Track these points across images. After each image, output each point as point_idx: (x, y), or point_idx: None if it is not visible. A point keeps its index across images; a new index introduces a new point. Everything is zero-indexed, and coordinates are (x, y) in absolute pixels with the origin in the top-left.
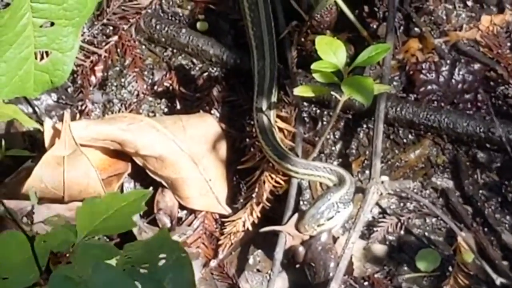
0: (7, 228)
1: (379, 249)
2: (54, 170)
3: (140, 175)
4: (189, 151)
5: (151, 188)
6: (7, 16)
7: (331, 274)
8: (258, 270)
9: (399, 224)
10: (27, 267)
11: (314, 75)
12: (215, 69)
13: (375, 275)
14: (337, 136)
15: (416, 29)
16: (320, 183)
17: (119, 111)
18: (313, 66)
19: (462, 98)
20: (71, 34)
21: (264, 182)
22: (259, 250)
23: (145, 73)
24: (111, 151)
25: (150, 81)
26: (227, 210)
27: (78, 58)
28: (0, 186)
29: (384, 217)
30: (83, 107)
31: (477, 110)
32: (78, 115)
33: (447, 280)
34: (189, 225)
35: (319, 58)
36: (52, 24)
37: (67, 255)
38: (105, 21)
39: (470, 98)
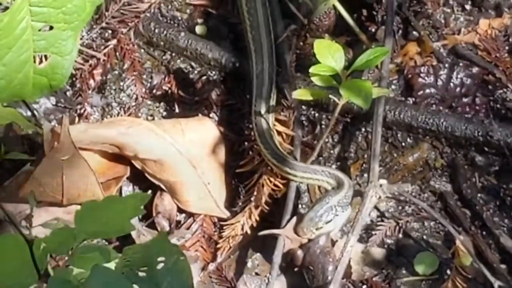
0: (5, 231)
1: (377, 252)
2: (53, 174)
3: (139, 178)
4: (188, 154)
5: (149, 191)
6: (6, 20)
7: (329, 278)
8: (256, 274)
9: (397, 227)
10: (25, 270)
11: (313, 78)
12: (213, 72)
13: (374, 279)
14: (335, 140)
15: (414, 32)
16: (319, 187)
17: (118, 115)
18: (312, 69)
19: (461, 101)
20: (70, 38)
21: (262, 186)
22: (258, 254)
23: (144, 76)
24: (110, 154)
25: (149, 84)
26: (225, 214)
27: (77, 61)
28: None
29: (382, 221)
30: (82, 111)
31: (476, 114)
32: (77, 119)
33: (445, 284)
34: (188, 228)
35: (318, 62)
36: (51, 28)
37: (66, 258)
38: (104, 24)
39: (468, 102)
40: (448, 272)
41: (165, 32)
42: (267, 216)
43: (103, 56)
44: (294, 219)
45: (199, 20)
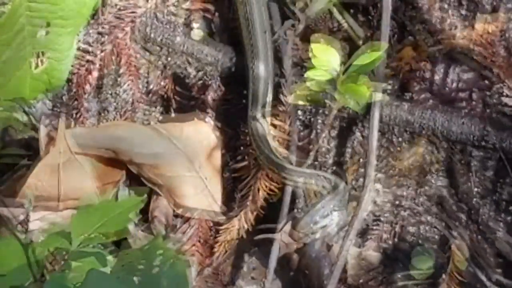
0: (1, 235)
1: (373, 256)
2: (49, 178)
3: (135, 183)
4: (185, 149)
5: (145, 195)
6: (6, 16)
7: (325, 282)
8: (252, 278)
9: (393, 232)
10: (21, 274)
11: (308, 83)
12: (210, 68)
13: (369, 283)
14: (331, 144)
15: (410, 37)
16: (314, 191)
17: (114, 119)
18: (307, 74)
19: (457, 97)
20: (68, 35)
21: (258, 190)
22: (254, 258)
23: (140, 81)
24: (106, 159)
25: (145, 89)
26: (222, 209)
27: (73, 66)
28: None
29: (378, 225)
30: (78, 115)
31: (472, 109)
32: (73, 123)
33: (442, 278)
34: (184, 233)
35: (315, 57)
36: (49, 25)
37: (62, 263)
38: (100, 29)
39: (465, 97)
40: (444, 276)
41: (161, 36)
42: (263, 220)
43: (99, 60)
44: (290, 223)
45: (195, 25)
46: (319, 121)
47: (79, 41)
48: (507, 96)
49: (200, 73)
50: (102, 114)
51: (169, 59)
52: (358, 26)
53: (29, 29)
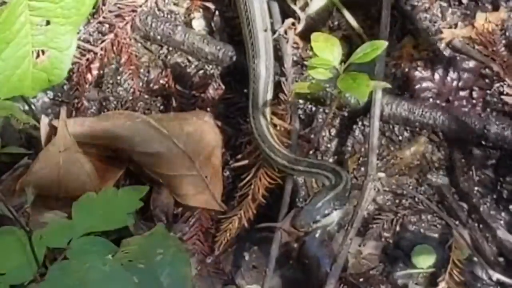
0: (3, 224)
1: (374, 245)
2: (50, 167)
3: (134, 182)
4: (186, 148)
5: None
6: (5, 14)
7: (326, 271)
8: (254, 267)
9: (394, 220)
10: (21, 272)
11: (310, 71)
12: (211, 66)
13: (371, 272)
14: (332, 134)
15: (411, 27)
16: (316, 180)
17: (115, 109)
18: (309, 62)
19: (458, 95)
20: (68, 33)
21: (260, 179)
22: (255, 247)
23: (141, 71)
24: (106, 157)
25: (146, 79)
26: (223, 207)
27: (74, 56)
28: None
29: (380, 214)
30: (79, 105)
31: (472, 107)
32: (74, 113)
33: (442, 276)
34: (185, 222)
35: (315, 55)
36: (49, 23)
37: (64, 251)
38: (100, 19)
39: (465, 95)
40: (446, 265)
41: (162, 26)
42: (264, 209)
43: (100, 50)
44: (292, 212)
45: (196, 15)
46: (321, 110)
47: (79, 31)
48: (507, 94)
49: (201, 72)
50: (103, 104)
51: (170, 48)
52: (358, 25)
53: (28, 27)
